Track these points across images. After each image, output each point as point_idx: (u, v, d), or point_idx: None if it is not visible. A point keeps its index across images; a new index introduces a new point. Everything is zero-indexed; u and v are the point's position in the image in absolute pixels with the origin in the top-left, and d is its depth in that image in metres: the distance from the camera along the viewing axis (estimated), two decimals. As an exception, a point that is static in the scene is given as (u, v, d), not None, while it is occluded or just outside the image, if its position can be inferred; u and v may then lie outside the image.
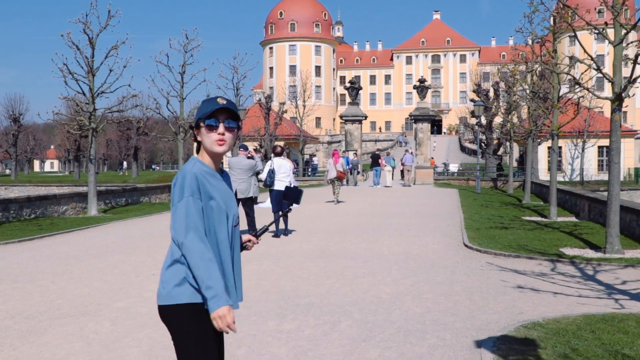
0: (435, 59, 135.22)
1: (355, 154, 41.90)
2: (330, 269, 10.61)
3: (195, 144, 3.29)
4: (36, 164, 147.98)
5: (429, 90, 47.74)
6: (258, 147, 39.03)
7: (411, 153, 40.82)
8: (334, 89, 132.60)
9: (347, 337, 6.60)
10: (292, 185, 14.91)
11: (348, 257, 11.76)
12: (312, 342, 6.44)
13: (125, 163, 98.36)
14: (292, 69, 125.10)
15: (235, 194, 14.29)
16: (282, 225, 15.15)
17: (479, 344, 6.31)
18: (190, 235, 2.98)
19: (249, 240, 3.56)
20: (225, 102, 3.17)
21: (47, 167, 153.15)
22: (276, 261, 11.35)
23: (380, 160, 38.75)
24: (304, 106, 57.05)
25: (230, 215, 3.20)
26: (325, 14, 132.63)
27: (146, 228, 17.35)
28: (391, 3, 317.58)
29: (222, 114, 3.17)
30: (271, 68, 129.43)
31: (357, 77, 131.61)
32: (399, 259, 11.67)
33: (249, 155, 14.81)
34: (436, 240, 14.23)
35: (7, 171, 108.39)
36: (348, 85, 45.88)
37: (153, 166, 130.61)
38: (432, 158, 53.25)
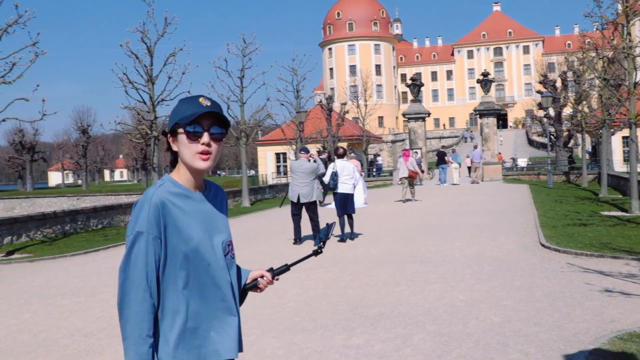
0: (498, 51, 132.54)
1: (417, 152, 40.78)
2: (399, 275, 10.06)
3: (170, 156, 2.56)
4: (106, 173, 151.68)
5: (493, 83, 46.48)
6: (322, 149, 38.72)
7: (478, 148, 39.80)
8: (395, 87, 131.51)
9: (421, 353, 6.07)
10: (352, 191, 14.37)
11: (418, 262, 11.19)
12: (382, 359, 5.93)
13: None
14: (352, 68, 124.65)
15: (298, 199, 13.89)
16: (347, 229, 14.68)
17: (569, 359, 5.68)
18: (127, 282, 2.33)
19: (262, 276, 2.71)
20: (209, 103, 2.45)
21: (116, 177, 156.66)
22: (343, 267, 10.87)
23: (446, 158, 37.89)
24: (366, 105, 56.46)
25: (215, 242, 2.49)
26: (382, 12, 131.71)
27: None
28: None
29: (207, 118, 2.45)
30: (331, 69, 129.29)
31: (418, 74, 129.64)
32: (472, 261, 11.03)
33: (312, 158, 14.40)
34: (510, 240, 13.49)
35: (79, 182, 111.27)
36: (409, 82, 45.10)
37: (219, 172, 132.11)
38: (500, 153, 51.96)
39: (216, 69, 28.87)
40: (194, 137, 2.41)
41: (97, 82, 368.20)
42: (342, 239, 14.18)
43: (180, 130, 2.43)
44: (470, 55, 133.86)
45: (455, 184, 36.27)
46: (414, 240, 13.89)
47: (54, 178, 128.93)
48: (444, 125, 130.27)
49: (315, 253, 2.84)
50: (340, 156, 14.52)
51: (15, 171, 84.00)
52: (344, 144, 56.21)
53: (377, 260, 11.46)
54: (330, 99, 52.59)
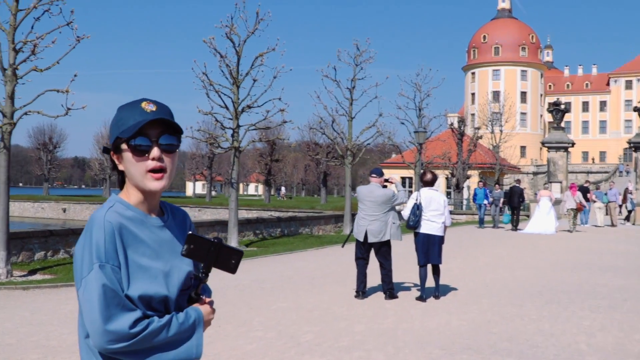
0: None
1: (499, 184, 33.60)
2: (475, 381, 6.15)
3: (117, 175, 2.17)
4: (241, 187, 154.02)
5: (653, 113, 40.17)
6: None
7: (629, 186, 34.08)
8: (540, 116, 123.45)
9: None
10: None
11: (515, 354, 7.15)
12: None
13: (283, 188, 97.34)
14: (495, 95, 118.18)
15: (365, 237, 10.23)
16: (431, 282, 10.77)
17: None
18: (116, 323, 1.92)
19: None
20: (154, 107, 2.09)
21: (251, 190, 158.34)
22: (393, 354, 7.07)
23: (589, 195, 32.51)
24: (501, 132, 51.38)
25: (174, 278, 2.11)
26: (532, 36, 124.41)
27: (283, 269, 13.80)
28: (609, 24, 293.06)
29: (154, 127, 2.08)
30: (473, 94, 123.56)
31: (568, 104, 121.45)
32: (604, 363, 6.89)
33: (392, 183, 10.72)
34: (669, 323, 9.07)
35: (213, 192, 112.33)
36: (551, 107, 39.89)
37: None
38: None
39: (323, 77, 25.75)
40: (140, 152, 2.08)
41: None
42: (422, 297, 10.30)
43: (124, 146, 2.10)
44: (628, 85, 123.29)
45: (598, 227, 30.90)
46: (522, 309, 9.77)
47: (192, 188, 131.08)
48: (592, 159, 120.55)
49: (198, 279, 2.18)
50: (428, 183, 10.65)
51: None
52: (475, 172, 51.57)
53: (452, 344, 7.54)
54: (462, 122, 48.26)
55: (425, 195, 10.45)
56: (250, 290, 11.01)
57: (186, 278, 2.17)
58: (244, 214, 55.49)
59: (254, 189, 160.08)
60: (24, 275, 13.54)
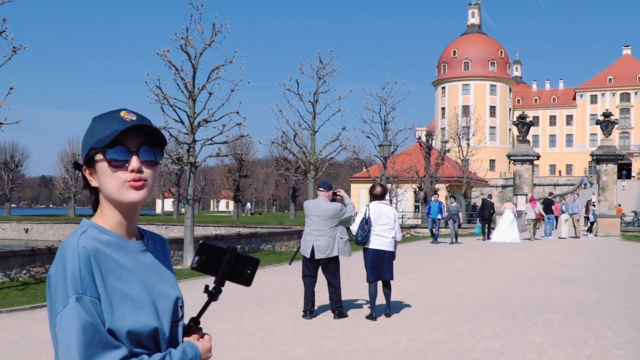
0: (625, 97, 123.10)
1: (454, 198, 31.34)
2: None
3: (91, 195, 1.89)
4: (212, 203, 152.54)
5: (615, 127, 40.59)
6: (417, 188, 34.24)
7: (594, 199, 34.28)
8: (509, 130, 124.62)
9: None
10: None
11: (459, 375, 6.81)
12: None
13: (248, 204, 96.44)
14: (465, 109, 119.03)
15: (312, 253, 9.86)
16: (382, 299, 10.37)
17: None
18: None
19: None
20: (134, 116, 1.84)
21: (222, 207, 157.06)
22: (330, 377, 6.67)
23: (553, 207, 32.56)
24: (468, 145, 51.44)
25: (161, 307, 1.86)
26: (501, 52, 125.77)
27: (233, 287, 13.30)
28: (575, 40, 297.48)
29: (134, 137, 1.83)
30: (443, 109, 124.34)
31: (536, 118, 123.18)
32: (551, 383, 6.55)
33: (339, 196, 10.34)
34: (624, 339, 8.78)
35: (182, 210, 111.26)
36: (517, 121, 40.00)
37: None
38: (619, 205, 45.68)
39: (285, 91, 25.42)
40: (118, 163, 1.81)
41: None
42: (372, 315, 9.92)
43: (99, 156, 1.83)
44: (593, 100, 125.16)
45: (562, 238, 30.90)
46: (475, 326, 9.43)
47: (161, 205, 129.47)
48: (559, 172, 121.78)
49: (209, 294, 2.00)
50: (377, 197, 10.31)
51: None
52: (443, 185, 51.53)
53: (395, 366, 7.17)
54: (430, 135, 48.25)
55: (375, 209, 10.10)
56: (193, 311, 10.52)
57: (175, 306, 1.94)
58: (212, 231, 54.82)
59: (225, 205, 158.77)
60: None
